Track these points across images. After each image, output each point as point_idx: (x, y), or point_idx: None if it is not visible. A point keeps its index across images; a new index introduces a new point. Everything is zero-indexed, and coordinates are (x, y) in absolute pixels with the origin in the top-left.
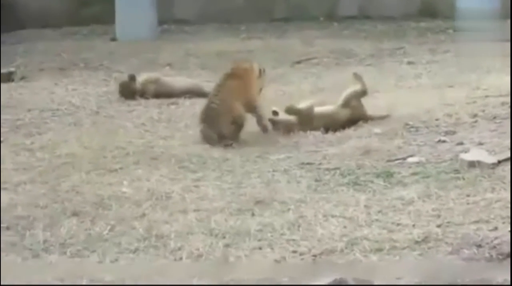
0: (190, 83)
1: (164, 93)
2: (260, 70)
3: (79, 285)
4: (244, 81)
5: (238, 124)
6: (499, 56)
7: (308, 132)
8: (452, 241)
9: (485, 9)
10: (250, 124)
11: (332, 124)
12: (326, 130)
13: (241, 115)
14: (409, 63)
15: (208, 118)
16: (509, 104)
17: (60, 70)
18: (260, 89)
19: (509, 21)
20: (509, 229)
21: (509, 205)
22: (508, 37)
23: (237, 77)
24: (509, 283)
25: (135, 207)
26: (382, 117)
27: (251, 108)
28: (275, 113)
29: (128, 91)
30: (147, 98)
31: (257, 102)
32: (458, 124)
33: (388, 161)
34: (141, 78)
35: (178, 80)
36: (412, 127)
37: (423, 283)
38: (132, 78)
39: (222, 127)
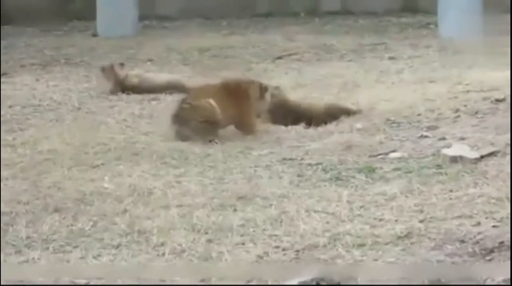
0: (172, 79)
1: (145, 88)
2: (261, 89)
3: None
4: (234, 98)
5: (211, 123)
6: (480, 52)
7: (290, 127)
8: (435, 236)
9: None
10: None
11: None
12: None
13: (213, 114)
14: (391, 58)
15: (179, 118)
16: (491, 99)
17: (41, 66)
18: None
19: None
20: (492, 224)
21: (492, 200)
22: (488, 32)
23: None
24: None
25: (117, 203)
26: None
27: (245, 129)
28: None
29: (114, 78)
30: (128, 93)
31: (251, 125)
32: (440, 120)
33: (370, 156)
34: (123, 73)
35: (160, 76)
36: (394, 122)
37: (404, 283)
38: (121, 64)
39: (193, 127)
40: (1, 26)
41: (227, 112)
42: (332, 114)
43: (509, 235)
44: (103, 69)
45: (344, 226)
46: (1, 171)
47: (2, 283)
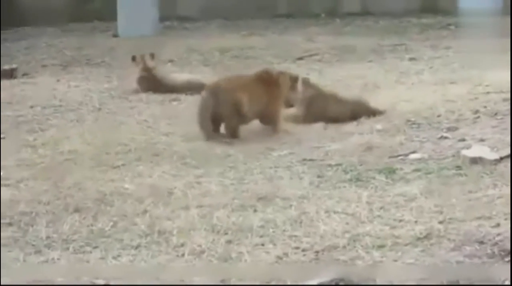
0: (194, 79)
1: (168, 87)
2: (292, 79)
3: (79, 285)
4: (267, 88)
5: (236, 116)
6: (501, 53)
7: (311, 127)
8: (454, 237)
9: (487, 6)
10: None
11: None
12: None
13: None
14: (411, 59)
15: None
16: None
17: (62, 67)
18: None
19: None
20: (511, 226)
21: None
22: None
23: (260, 81)
24: (510, 279)
25: (137, 203)
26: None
27: (270, 119)
28: None
29: (143, 66)
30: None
31: (278, 116)
32: (460, 121)
33: (390, 157)
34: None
35: (181, 76)
36: (414, 123)
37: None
38: (152, 55)
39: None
40: (21, 27)
41: (256, 105)
42: (358, 111)
43: None
44: (133, 58)
45: (363, 227)
46: (21, 172)
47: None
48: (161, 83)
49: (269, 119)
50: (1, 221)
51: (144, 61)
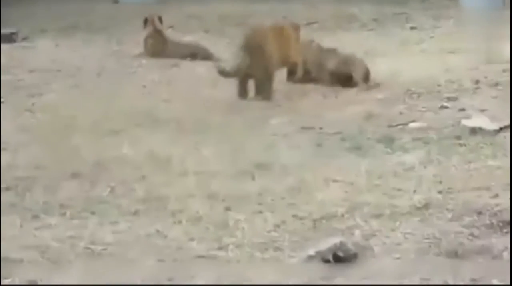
0: (197, 44)
1: (171, 51)
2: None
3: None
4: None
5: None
6: (502, 24)
7: (311, 95)
8: (452, 207)
9: None
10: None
11: None
12: None
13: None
14: (412, 28)
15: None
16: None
17: (62, 32)
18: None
19: None
20: (510, 196)
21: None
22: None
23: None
24: (508, 250)
25: (135, 169)
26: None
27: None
28: None
29: (153, 26)
30: (154, 54)
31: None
32: (460, 91)
33: (390, 126)
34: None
35: (184, 41)
36: (414, 93)
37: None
38: (160, 18)
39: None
40: None
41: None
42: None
43: None
44: (145, 21)
45: (362, 196)
46: (19, 136)
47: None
48: (170, 46)
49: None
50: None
51: (155, 24)
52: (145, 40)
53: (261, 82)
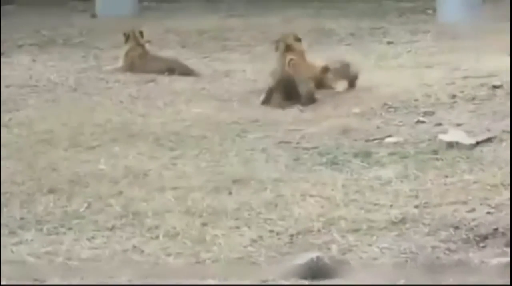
0: (176, 59)
1: (151, 66)
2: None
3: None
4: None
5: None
6: (478, 38)
7: (287, 110)
8: (429, 222)
9: None
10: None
11: None
12: None
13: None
14: (389, 43)
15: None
16: (488, 85)
17: (39, 47)
18: None
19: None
20: (486, 210)
21: (487, 187)
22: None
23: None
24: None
25: (112, 185)
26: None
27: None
28: None
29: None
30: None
31: None
32: (437, 105)
33: (367, 140)
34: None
35: (163, 56)
36: (391, 107)
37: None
38: (141, 33)
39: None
40: (2, 6)
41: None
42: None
43: (503, 222)
44: (126, 35)
45: (339, 210)
46: None
47: (2, 283)
48: (150, 60)
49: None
50: None
51: (136, 38)
52: (126, 54)
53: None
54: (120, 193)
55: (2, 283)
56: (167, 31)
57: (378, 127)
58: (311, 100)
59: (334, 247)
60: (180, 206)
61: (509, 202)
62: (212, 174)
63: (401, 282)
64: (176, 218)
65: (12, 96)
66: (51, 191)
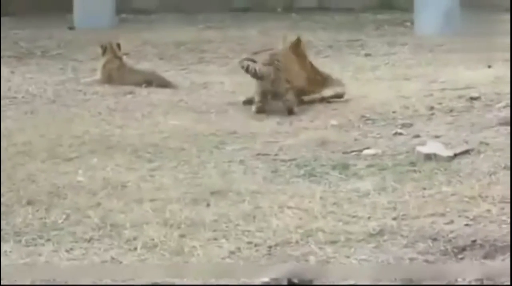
0: (153, 71)
1: (129, 78)
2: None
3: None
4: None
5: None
6: (456, 50)
7: (265, 122)
8: (407, 234)
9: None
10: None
11: None
12: None
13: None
14: (367, 55)
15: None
16: (466, 97)
17: (17, 59)
18: None
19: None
20: (465, 222)
21: (465, 199)
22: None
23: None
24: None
25: (90, 196)
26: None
27: None
28: None
29: (112, 53)
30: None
31: None
32: (415, 117)
33: (344, 152)
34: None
35: (141, 68)
36: (368, 119)
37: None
38: (118, 45)
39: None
40: None
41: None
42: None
43: (481, 234)
44: (103, 47)
45: (317, 222)
46: None
47: (2, 283)
48: (128, 73)
49: None
50: None
51: (114, 50)
52: (104, 66)
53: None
54: (98, 204)
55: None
56: (144, 43)
57: (356, 139)
58: (290, 112)
59: (312, 259)
60: (158, 218)
61: (487, 214)
62: (190, 185)
63: None
64: (154, 230)
65: None
66: (29, 202)
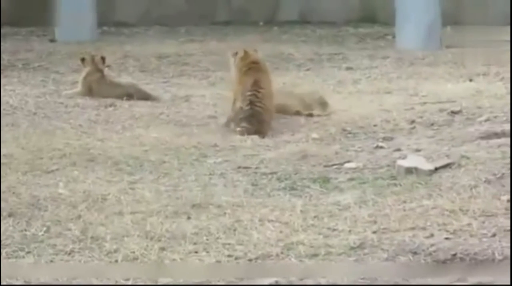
0: (135, 84)
1: (110, 91)
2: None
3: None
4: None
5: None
6: (437, 64)
7: (246, 136)
8: (388, 247)
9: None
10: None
11: None
12: None
13: None
14: (348, 68)
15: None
16: (447, 111)
17: None
18: None
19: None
20: (445, 236)
21: (445, 212)
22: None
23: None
24: None
25: (71, 209)
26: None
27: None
28: None
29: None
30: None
31: None
32: (396, 131)
33: (325, 166)
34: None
35: (122, 81)
36: (349, 133)
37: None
38: (103, 59)
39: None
40: None
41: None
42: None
43: (462, 247)
44: (83, 60)
45: (297, 235)
46: None
47: (2, 283)
48: (109, 85)
49: None
50: None
51: (96, 63)
52: (84, 79)
53: None
54: (79, 217)
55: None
56: (126, 55)
57: (337, 152)
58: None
59: (292, 272)
60: (139, 230)
61: (467, 228)
62: (170, 198)
63: None
64: (135, 242)
65: None
66: (10, 214)
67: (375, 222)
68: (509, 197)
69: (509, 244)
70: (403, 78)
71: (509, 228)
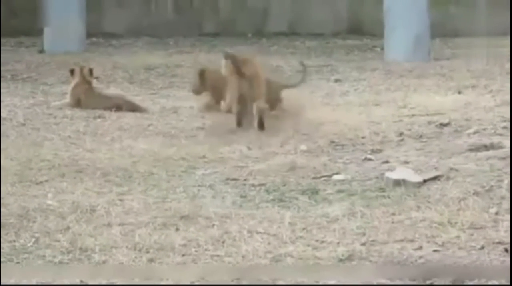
0: (124, 96)
1: (99, 102)
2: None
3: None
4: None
5: None
6: (425, 76)
7: (235, 147)
8: (376, 259)
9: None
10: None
11: None
12: None
13: None
14: (336, 80)
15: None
16: (436, 123)
17: None
18: None
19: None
20: (433, 248)
21: (434, 225)
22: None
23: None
24: None
25: (59, 220)
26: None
27: None
28: None
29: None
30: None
31: None
32: (384, 143)
33: (314, 178)
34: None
35: (110, 92)
36: (338, 145)
37: None
38: (91, 71)
39: None
40: None
41: None
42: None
43: (450, 260)
44: (72, 71)
45: (286, 247)
46: None
47: (2, 283)
48: (97, 97)
49: None
50: None
51: (84, 74)
52: (73, 90)
53: None
54: (68, 228)
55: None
56: (114, 67)
57: (325, 164)
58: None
59: (281, 284)
60: (127, 242)
61: (456, 240)
62: (159, 210)
63: None
64: (123, 254)
65: None
66: None
67: (363, 234)
68: (497, 209)
69: (497, 256)
70: (392, 90)
71: (497, 240)
